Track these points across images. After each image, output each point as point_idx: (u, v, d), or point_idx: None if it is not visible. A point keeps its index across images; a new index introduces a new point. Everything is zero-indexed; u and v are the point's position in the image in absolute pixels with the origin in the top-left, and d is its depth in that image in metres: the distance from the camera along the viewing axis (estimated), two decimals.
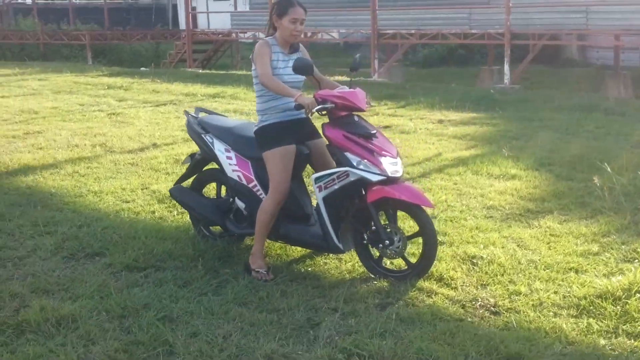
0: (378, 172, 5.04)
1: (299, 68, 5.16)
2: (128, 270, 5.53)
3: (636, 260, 5.51)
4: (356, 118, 5.25)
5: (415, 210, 5.19)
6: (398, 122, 11.93)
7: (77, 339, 4.37)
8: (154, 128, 11.87)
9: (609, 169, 7.20)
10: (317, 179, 5.22)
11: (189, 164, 6.35)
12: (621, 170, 7.71)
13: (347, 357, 4.12)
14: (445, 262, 5.52)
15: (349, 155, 5.08)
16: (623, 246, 5.80)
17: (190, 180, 6.38)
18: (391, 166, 5.11)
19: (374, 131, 5.22)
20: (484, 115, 12.49)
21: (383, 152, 5.12)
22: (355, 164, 5.06)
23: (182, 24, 35.63)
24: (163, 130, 11.60)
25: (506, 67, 17.47)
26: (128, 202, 7.50)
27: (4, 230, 6.54)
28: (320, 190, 5.20)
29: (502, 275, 5.29)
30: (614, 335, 4.35)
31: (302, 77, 5.45)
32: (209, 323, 4.59)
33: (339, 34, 23.10)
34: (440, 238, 6.11)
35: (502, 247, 5.84)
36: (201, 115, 6.27)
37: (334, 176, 5.15)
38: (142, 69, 24.75)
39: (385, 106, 14.00)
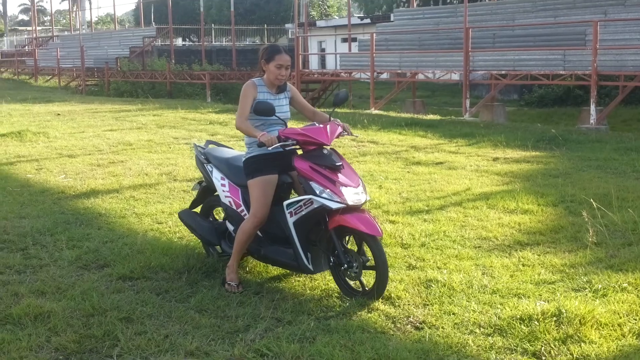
0: (338, 200, 5.52)
1: (258, 111, 5.75)
2: (122, 280, 6.25)
3: (586, 290, 5.72)
4: (325, 151, 5.75)
5: (368, 239, 5.58)
6: (453, 158, 12.26)
7: (45, 330, 5.09)
8: None
9: (595, 206, 7.34)
10: (287, 205, 5.73)
11: (197, 190, 7.11)
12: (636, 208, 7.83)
13: (257, 356, 4.64)
14: (402, 284, 5.92)
15: (313, 184, 5.59)
16: (583, 277, 6.00)
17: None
18: (353, 195, 5.58)
19: (339, 163, 5.70)
20: (542, 154, 12.61)
21: (345, 183, 5.61)
22: (318, 192, 5.55)
23: (310, 64, 37.52)
24: None
25: (592, 108, 17.38)
26: (161, 223, 8.28)
27: (41, 242, 7.45)
28: (291, 216, 5.72)
29: (449, 297, 5.64)
30: (510, 352, 4.65)
31: (283, 114, 6.05)
32: (159, 324, 5.22)
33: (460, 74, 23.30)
34: (414, 263, 6.55)
35: (466, 273, 6.17)
36: (210, 147, 6.96)
37: (301, 203, 5.68)
38: None
39: (454, 144, 14.32)
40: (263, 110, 5.73)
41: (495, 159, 12.18)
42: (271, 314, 5.38)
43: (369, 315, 5.36)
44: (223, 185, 6.38)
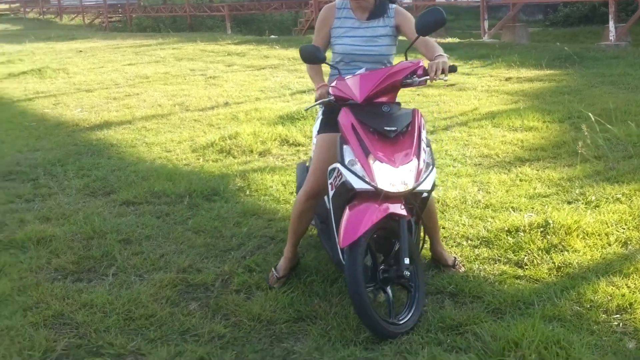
0: (367, 180, 3.93)
1: (302, 56, 4.36)
2: (125, 205, 6.41)
3: (579, 202, 5.75)
4: (386, 108, 4.13)
5: None
6: (465, 80, 12.19)
7: (46, 253, 5.27)
8: (237, 89, 12.79)
9: (593, 119, 7.29)
10: (329, 173, 4.24)
11: None
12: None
13: (245, 272, 4.77)
14: None
15: (346, 149, 4.05)
16: (578, 190, 6.02)
17: None
18: (388, 178, 3.94)
19: (394, 128, 4.06)
20: (556, 72, 12.49)
21: (383, 158, 3.97)
22: (347, 161, 4.02)
23: None
24: (242, 92, 12.49)
25: (611, 24, 17.08)
26: (169, 151, 8.41)
27: (52, 173, 7.61)
28: (331, 188, 4.19)
29: (441, 212, 5.70)
30: (494, 262, 4.73)
31: (376, 49, 4.44)
32: (156, 245, 5.38)
33: None
34: None
35: (462, 190, 6.22)
36: None
37: (336, 173, 4.13)
38: (272, 36, 25.87)
39: (469, 65, 14.21)
40: (306, 57, 4.34)
41: (508, 79, 12.07)
42: (264, 233, 5.50)
43: None
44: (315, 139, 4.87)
